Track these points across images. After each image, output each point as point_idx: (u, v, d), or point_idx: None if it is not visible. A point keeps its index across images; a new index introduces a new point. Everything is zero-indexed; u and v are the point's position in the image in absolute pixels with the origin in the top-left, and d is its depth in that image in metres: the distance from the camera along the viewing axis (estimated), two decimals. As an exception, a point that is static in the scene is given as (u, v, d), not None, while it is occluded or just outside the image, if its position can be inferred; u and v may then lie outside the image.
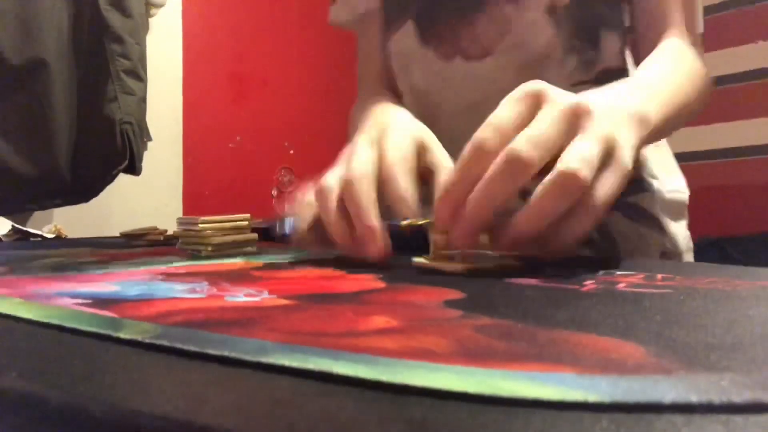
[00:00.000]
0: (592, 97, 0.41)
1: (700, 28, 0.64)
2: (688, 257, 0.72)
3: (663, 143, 0.74)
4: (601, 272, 0.34)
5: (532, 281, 0.31)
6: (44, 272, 0.38)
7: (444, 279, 0.33)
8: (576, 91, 0.50)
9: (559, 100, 0.39)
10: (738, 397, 0.12)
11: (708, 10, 2.43)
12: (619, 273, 0.34)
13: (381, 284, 0.31)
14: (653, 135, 0.50)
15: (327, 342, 0.18)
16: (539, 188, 0.36)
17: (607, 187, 0.37)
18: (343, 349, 0.17)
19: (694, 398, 0.12)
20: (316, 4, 2.27)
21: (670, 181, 0.72)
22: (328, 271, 0.37)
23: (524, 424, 0.12)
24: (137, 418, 0.13)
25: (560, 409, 0.12)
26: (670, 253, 0.69)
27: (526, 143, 0.36)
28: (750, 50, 2.32)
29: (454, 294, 0.27)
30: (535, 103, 0.40)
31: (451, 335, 0.19)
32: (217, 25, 1.99)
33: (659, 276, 0.32)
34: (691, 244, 0.72)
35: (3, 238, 0.86)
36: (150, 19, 1.56)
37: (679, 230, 0.71)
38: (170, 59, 1.81)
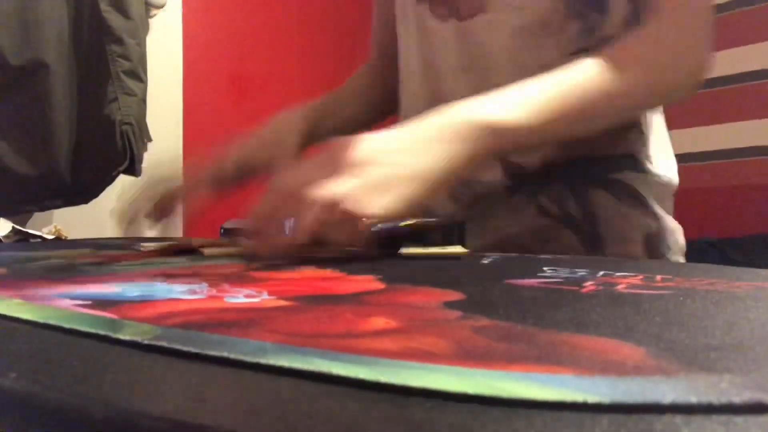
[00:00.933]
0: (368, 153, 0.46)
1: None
2: (677, 252, 0.70)
3: (659, 127, 0.73)
4: (600, 273, 0.34)
5: (532, 282, 0.31)
6: (44, 273, 0.38)
7: (443, 281, 0.33)
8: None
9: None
10: (738, 397, 0.12)
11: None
12: (618, 274, 0.34)
13: (380, 285, 0.31)
14: (520, 141, 0.52)
15: (326, 343, 0.18)
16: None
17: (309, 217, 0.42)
18: (342, 350, 0.17)
19: (693, 399, 0.12)
20: (317, 5, 2.27)
21: (664, 165, 0.71)
22: (328, 272, 0.37)
23: (524, 425, 0.12)
24: (137, 419, 0.13)
25: (560, 410, 0.12)
26: (654, 235, 0.67)
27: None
28: (750, 51, 2.33)
29: (454, 295, 0.27)
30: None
31: (451, 336, 0.19)
32: (217, 25, 1.99)
33: (658, 277, 0.32)
34: (681, 237, 0.71)
35: (3, 239, 0.86)
36: (150, 20, 1.56)
37: (665, 215, 0.70)
38: (170, 60, 1.81)
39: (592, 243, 0.66)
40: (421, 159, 0.47)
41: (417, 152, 0.47)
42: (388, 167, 0.45)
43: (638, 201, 0.67)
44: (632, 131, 0.69)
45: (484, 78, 0.66)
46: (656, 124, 0.72)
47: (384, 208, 0.43)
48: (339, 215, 0.42)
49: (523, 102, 0.52)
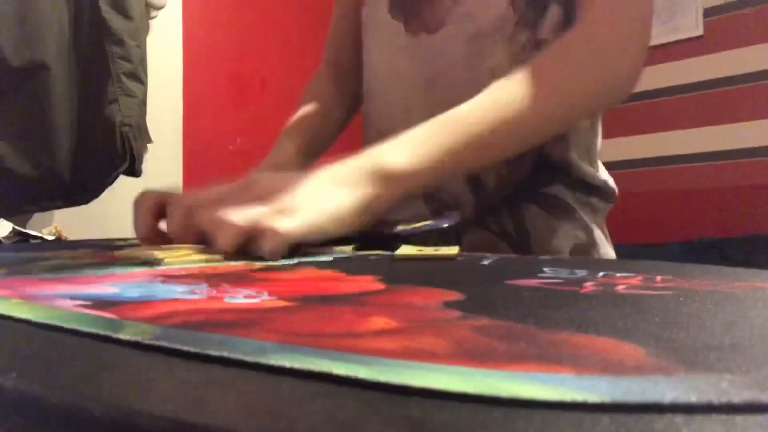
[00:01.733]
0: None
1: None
2: (606, 251, 0.73)
3: (595, 136, 0.75)
4: (600, 274, 0.34)
5: (532, 283, 0.31)
6: (44, 274, 0.38)
7: (443, 281, 0.33)
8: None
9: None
10: (737, 397, 0.13)
11: (708, 12, 2.43)
12: (618, 275, 0.34)
13: (380, 286, 0.31)
14: (415, 183, 0.56)
15: (327, 343, 0.18)
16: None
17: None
18: (343, 350, 0.17)
19: (693, 398, 0.12)
20: (316, 6, 2.27)
21: (592, 172, 0.73)
22: (328, 273, 0.37)
23: (525, 424, 0.12)
24: (137, 418, 0.13)
25: (560, 409, 0.12)
26: (583, 245, 0.70)
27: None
28: (750, 52, 2.33)
29: (454, 295, 0.27)
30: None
31: (451, 336, 0.19)
32: (218, 27, 1.99)
33: (658, 278, 0.32)
34: (610, 249, 0.74)
35: (3, 240, 0.87)
36: (150, 21, 1.57)
37: (596, 227, 0.73)
38: (170, 61, 1.81)
39: (524, 255, 0.69)
40: (327, 197, 0.51)
41: (324, 192, 0.51)
42: (295, 198, 0.49)
43: (567, 213, 0.70)
44: (566, 139, 0.71)
45: (445, 89, 0.70)
46: (587, 129, 0.75)
47: (289, 227, 0.46)
48: (254, 232, 0.45)
49: (413, 146, 0.56)
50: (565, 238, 0.70)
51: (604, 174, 0.76)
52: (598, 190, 0.73)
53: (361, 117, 0.87)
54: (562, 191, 0.71)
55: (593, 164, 0.74)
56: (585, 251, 0.70)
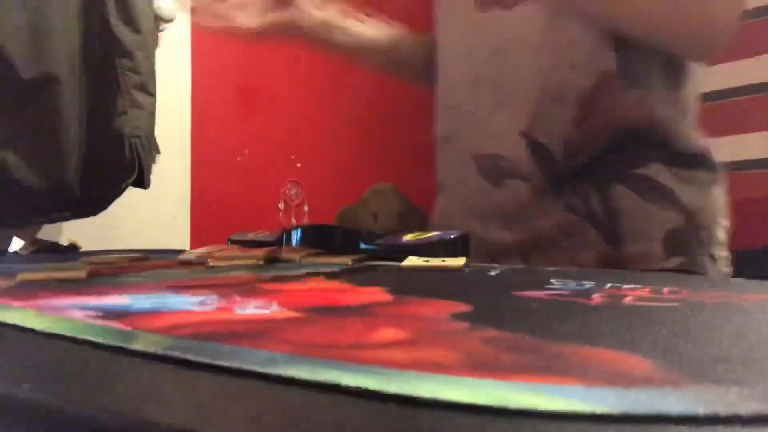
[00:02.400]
0: None
1: None
2: (715, 247, 0.68)
3: (687, 94, 0.73)
4: (608, 285, 0.34)
5: (539, 294, 0.31)
6: (56, 285, 0.38)
7: (451, 292, 0.33)
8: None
9: None
10: (745, 409, 0.13)
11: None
12: (626, 287, 0.34)
13: (389, 297, 0.31)
14: None
15: (336, 354, 0.18)
16: None
17: None
18: (352, 360, 0.17)
19: (701, 410, 0.13)
20: (324, 19, 2.28)
21: (689, 138, 0.70)
22: (336, 284, 0.37)
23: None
24: (148, 429, 0.13)
25: (568, 420, 0.13)
26: (678, 230, 0.66)
27: None
28: (758, 63, 2.32)
29: (462, 307, 0.27)
30: None
31: (459, 347, 0.19)
32: (226, 39, 2.01)
33: (666, 290, 0.32)
34: (720, 231, 0.69)
35: (20, 252, 0.87)
36: (159, 34, 1.58)
37: (699, 207, 0.68)
38: (179, 74, 1.83)
39: (611, 240, 0.66)
40: None
41: None
42: None
43: (662, 195, 0.67)
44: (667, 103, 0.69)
45: (516, 57, 0.71)
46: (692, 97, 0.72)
47: None
48: None
49: None
50: (659, 222, 0.66)
51: (702, 140, 0.71)
52: (700, 160, 0.69)
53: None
54: (658, 170, 0.67)
55: (690, 127, 0.71)
56: (681, 237, 0.66)
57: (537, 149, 0.70)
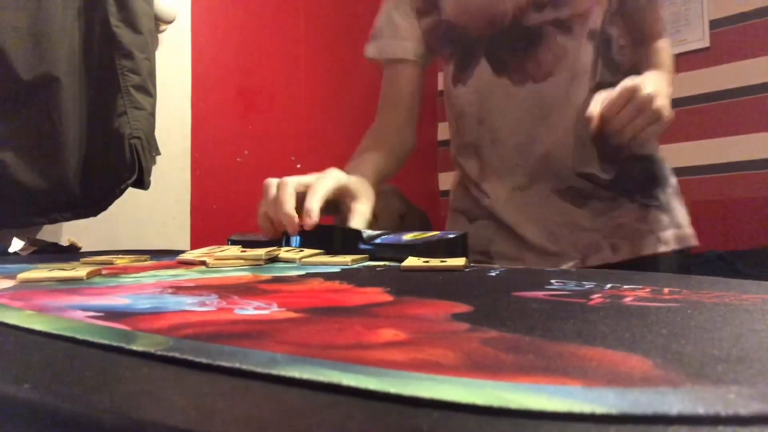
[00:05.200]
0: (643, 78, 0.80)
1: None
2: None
3: None
4: (608, 286, 0.34)
5: (539, 295, 0.31)
6: (56, 285, 0.38)
7: (451, 293, 0.34)
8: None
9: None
10: (744, 409, 0.13)
11: (715, 24, 2.43)
12: (625, 287, 0.34)
13: (388, 298, 0.31)
14: None
15: (336, 354, 0.18)
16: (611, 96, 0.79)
17: (658, 102, 0.76)
18: (352, 361, 0.17)
19: (701, 410, 0.13)
20: (324, 20, 2.29)
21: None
22: (335, 285, 0.37)
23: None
24: (148, 429, 0.13)
25: (568, 420, 0.13)
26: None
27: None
28: (756, 64, 2.32)
29: (462, 307, 0.27)
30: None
31: (459, 348, 0.19)
32: (226, 40, 2.01)
33: (666, 290, 0.32)
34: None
35: (20, 253, 0.87)
36: (159, 35, 1.58)
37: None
38: (179, 74, 1.83)
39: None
40: None
41: None
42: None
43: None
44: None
45: (545, 122, 0.94)
46: None
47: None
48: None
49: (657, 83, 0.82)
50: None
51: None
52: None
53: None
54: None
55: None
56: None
57: (590, 177, 0.97)
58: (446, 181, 2.26)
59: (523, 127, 0.94)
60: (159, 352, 0.18)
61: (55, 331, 0.22)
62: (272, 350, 0.19)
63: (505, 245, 0.98)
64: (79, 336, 0.21)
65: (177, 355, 0.18)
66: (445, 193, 2.28)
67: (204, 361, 0.17)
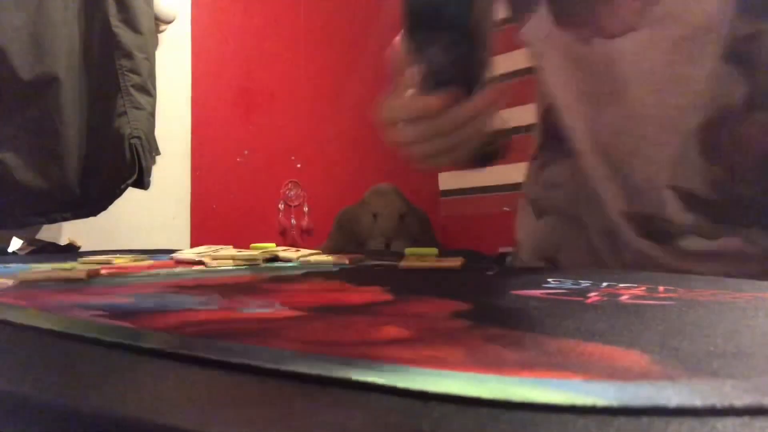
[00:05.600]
0: None
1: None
2: None
3: None
4: (604, 284, 0.35)
5: (537, 293, 0.32)
6: (56, 285, 0.39)
7: (450, 292, 0.34)
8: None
9: None
10: (739, 401, 0.13)
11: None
12: (621, 285, 0.34)
13: (389, 296, 0.31)
14: None
15: (342, 351, 0.18)
16: None
17: None
18: (358, 357, 0.18)
19: (698, 403, 0.13)
20: (325, 20, 2.29)
21: None
22: (336, 284, 0.38)
23: (536, 428, 0.12)
24: (148, 429, 0.13)
25: (570, 412, 0.13)
26: None
27: None
28: None
29: (461, 305, 0.28)
30: None
31: (462, 344, 0.19)
32: (226, 40, 2.01)
33: (661, 288, 0.33)
34: None
35: (18, 252, 0.87)
36: (159, 35, 1.58)
37: None
38: (179, 74, 1.83)
39: None
40: None
41: None
42: None
43: None
44: None
45: (629, 106, 0.60)
46: None
47: None
48: None
49: None
50: None
51: None
52: None
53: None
54: None
55: None
56: None
57: (690, 199, 0.58)
58: (446, 181, 2.25)
59: (581, 109, 0.64)
60: (168, 350, 0.19)
61: (61, 330, 0.23)
62: (280, 347, 0.19)
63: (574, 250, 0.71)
64: (86, 334, 0.22)
65: (185, 352, 0.18)
66: (446, 193, 2.28)
67: (213, 358, 0.18)
